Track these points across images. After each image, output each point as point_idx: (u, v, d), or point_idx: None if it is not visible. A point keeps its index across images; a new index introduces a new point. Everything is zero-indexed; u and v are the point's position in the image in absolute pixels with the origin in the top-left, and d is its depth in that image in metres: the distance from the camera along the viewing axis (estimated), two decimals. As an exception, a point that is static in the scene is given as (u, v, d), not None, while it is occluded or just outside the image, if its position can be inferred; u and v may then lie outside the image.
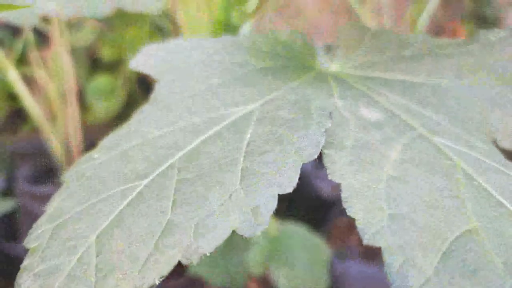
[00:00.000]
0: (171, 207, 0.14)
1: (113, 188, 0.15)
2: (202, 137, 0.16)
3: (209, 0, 0.90)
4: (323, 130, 0.16)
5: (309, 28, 1.75)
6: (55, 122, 1.02)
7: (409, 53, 0.25)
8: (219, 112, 0.18)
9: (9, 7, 0.31)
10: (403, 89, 0.23)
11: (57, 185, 0.81)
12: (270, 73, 0.22)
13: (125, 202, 0.14)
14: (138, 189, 0.15)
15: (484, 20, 1.86)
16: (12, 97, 1.18)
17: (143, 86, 1.30)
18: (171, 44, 0.23)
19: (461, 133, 0.19)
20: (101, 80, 1.19)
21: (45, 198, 0.75)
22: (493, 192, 0.15)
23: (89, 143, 1.17)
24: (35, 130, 1.19)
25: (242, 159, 0.15)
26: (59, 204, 0.16)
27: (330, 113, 0.17)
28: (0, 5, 0.22)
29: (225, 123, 0.17)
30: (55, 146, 1.04)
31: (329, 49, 0.25)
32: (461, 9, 1.62)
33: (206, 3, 0.90)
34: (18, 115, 1.28)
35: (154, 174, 0.15)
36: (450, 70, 0.24)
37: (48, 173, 1.09)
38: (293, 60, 0.24)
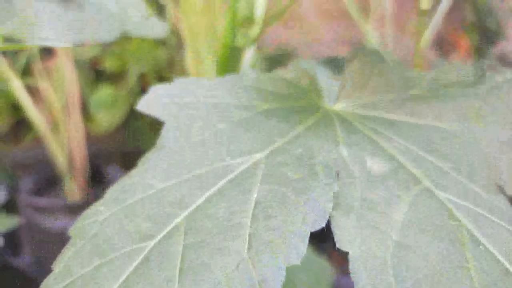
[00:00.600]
0: (178, 276, 0.13)
1: (119, 249, 0.15)
2: (207, 194, 0.16)
3: (213, 20, 0.90)
4: (330, 194, 0.16)
5: (310, 38, 1.76)
6: (58, 132, 1.02)
7: (416, 92, 0.25)
8: (224, 162, 0.18)
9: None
10: (409, 132, 0.22)
11: (60, 196, 0.81)
12: (276, 115, 0.22)
13: (131, 268, 0.14)
14: (144, 252, 0.14)
15: (485, 31, 1.86)
16: (16, 107, 1.18)
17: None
18: (178, 85, 0.23)
19: (467, 183, 0.19)
20: (105, 91, 1.19)
21: (48, 210, 0.75)
22: (500, 258, 0.14)
23: (92, 153, 1.17)
24: (38, 140, 1.19)
25: (249, 223, 0.15)
26: (66, 263, 0.15)
27: (337, 172, 0.17)
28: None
29: (230, 176, 0.17)
30: (58, 156, 1.04)
31: (335, 86, 0.25)
32: (462, 20, 1.62)
33: (211, 24, 0.90)
34: (21, 125, 1.28)
35: (160, 236, 0.15)
36: (457, 112, 0.23)
37: (51, 184, 1.09)
38: (298, 100, 0.24)
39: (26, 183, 1.02)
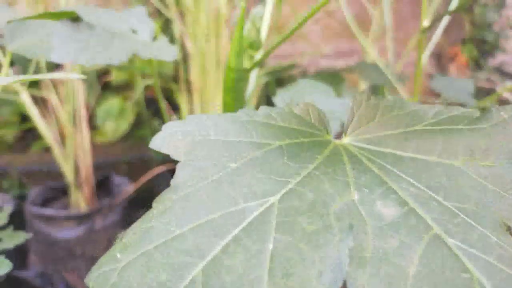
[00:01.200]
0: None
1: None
2: (223, 242, 0.16)
3: (218, 35, 0.90)
4: (346, 251, 0.16)
5: (312, 50, 1.76)
6: (65, 143, 1.02)
7: (421, 128, 0.25)
8: (238, 206, 0.18)
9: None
10: (417, 170, 0.23)
11: (66, 206, 0.81)
12: (287, 153, 0.22)
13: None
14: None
15: (483, 44, 1.87)
16: (24, 118, 1.18)
17: (151, 107, 1.31)
18: (190, 122, 0.23)
19: (475, 226, 0.19)
20: (111, 102, 1.19)
21: (54, 220, 0.75)
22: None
23: (98, 163, 1.17)
24: (46, 150, 1.19)
25: (266, 277, 0.15)
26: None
27: (351, 225, 0.17)
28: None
29: (244, 223, 0.17)
30: (65, 166, 1.04)
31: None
32: (461, 34, 1.63)
33: (216, 39, 0.90)
34: (29, 135, 1.28)
35: (179, 290, 0.15)
36: (463, 149, 0.24)
37: (58, 193, 1.09)
38: (308, 135, 0.24)
39: (33, 193, 1.02)
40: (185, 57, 1.09)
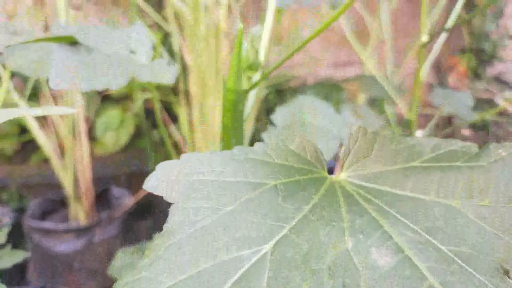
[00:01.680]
0: None
1: None
2: (216, 298, 0.16)
3: (217, 51, 0.90)
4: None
5: (312, 61, 1.76)
6: (65, 155, 1.02)
7: (419, 164, 0.25)
8: (231, 254, 0.18)
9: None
10: (414, 210, 0.22)
11: (66, 219, 0.80)
12: (282, 193, 0.22)
13: None
14: None
15: (482, 54, 1.87)
16: (23, 129, 1.18)
17: (151, 118, 1.31)
18: (185, 161, 0.22)
19: (471, 273, 0.19)
20: (111, 114, 1.19)
21: (53, 233, 0.74)
22: None
23: (97, 174, 1.16)
24: (46, 161, 1.19)
25: None
26: None
27: (344, 284, 0.16)
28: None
29: (237, 276, 0.17)
30: (65, 179, 1.04)
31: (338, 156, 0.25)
32: (460, 44, 1.63)
33: (215, 53, 0.90)
34: (29, 146, 1.28)
35: None
36: (461, 188, 0.23)
37: (57, 206, 1.09)
38: (304, 172, 0.24)
39: (32, 205, 1.01)
40: (184, 69, 1.09)
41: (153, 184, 0.21)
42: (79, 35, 0.45)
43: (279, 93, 1.51)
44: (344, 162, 0.26)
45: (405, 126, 0.95)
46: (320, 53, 1.66)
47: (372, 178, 0.25)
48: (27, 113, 0.25)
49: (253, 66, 0.46)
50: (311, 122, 0.55)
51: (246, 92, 0.48)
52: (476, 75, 1.78)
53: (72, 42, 0.41)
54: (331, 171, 0.28)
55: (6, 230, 0.59)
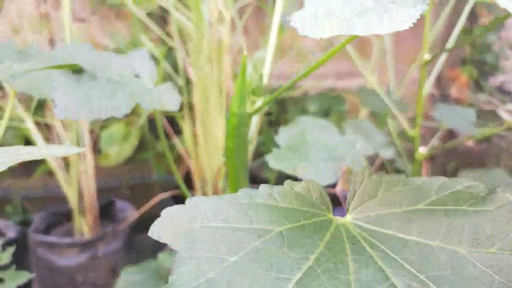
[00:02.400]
0: None
1: None
2: None
3: (220, 67, 0.90)
4: None
5: (314, 73, 1.75)
6: (69, 168, 1.02)
7: (425, 207, 0.25)
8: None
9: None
10: (420, 257, 0.22)
11: (70, 233, 0.80)
12: (287, 241, 0.22)
13: None
14: None
15: (484, 65, 1.86)
16: (28, 141, 1.18)
17: (155, 130, 1.31)
18: (189, 206, 0.22)
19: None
20: (115, 128, 1.19)
21: (57, 247, 0.73)
22: None
23: (101, 187, 1.16)
24: (49, 174, 1.19)
25: None
26: None
27: None
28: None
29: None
30: (69, 192, 1.04)
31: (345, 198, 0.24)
32: (461, 55, 1.63)
33: (218, 70, 0.90)
34: (33, 160, 1.28)
35: None
36: (467, 233, 0.23)
37: (61, 219, 1.08)
38: (309, 216, 0.24)
39: (36, 219, 1.01)
40: (187, 82, 1.09)
41: (157, 231, 0.21)
42: (83, 61, 0.45)
43: (281, 104, 1.51)
44: (350, 204, 0.25)
45: (408, 139, 0.95)
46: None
47: (378, 221, 0.24)
48: (28, 157, 0.25)
49: (256, 91, 0.46)
50: (313, 143, 0.54)
51: (250, 116, 0.48)
52: (477, 86, 1.77)
53: (77, 69, 0.41)
54: (336, 204, 0.27)
55: (11, 251, 0.59)
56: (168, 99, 0.42)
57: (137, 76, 0.48)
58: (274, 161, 0.49)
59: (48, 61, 0.48)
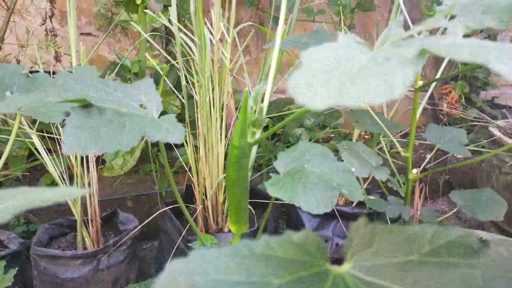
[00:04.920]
0: None
1: None
2: None
3: (222, 90, 0.91)
4: None
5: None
6: (73, 181, 1.02)
7: (418, 258, 0.25)
8: None
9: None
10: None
11: (72, 246, 0.79)
12: (286, 295, 0.22)
13: None
14: None
15: (475, 80, 1.88)
16: (32, 152, 1.18)
17: (156, 144, 1.31)
18: (193, 259, 0.22)
19: None
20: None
21: (60, 260, 0.73)
22: None
23: (104, 198, 1.15)
24: (53, 186, 1.19)
25: None
26: None
27: None
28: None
29: None
30: (72, 205, 1.04)
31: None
32: (453, 71, 1.63)
33: (219, 94, 0.91)
34: (37, 169, 1.28)
35: None
36: (459, 286, 0.23)
37: (64, 230, 1.08)
38: (307, 267, 0.24)
39: (39, 231, 1.01)
40: (189, 99, 1.09)
41: (163, 284, 0.21)
42: (92, 93, 0.45)
43: (279, 118, 1.51)
44: (347, 253, 0.26)
45: (400, 159, 0.95)
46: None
47: (374, 271, 0.25)
48: (35, 203, 0.25)
49: (257, 123, 0.46)
50: (310, 170, 0.55)
51: (251, 146, 0.48)
52: (469, 101, 1.78)
53: (85, 104, 0.41)
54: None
55: (13, 272, 0.59)
56: (173, 133, 0.42)
57: (143, 106, 0.49)
58: (273, 189, 0.50)
59: (56, 91, 0.48)
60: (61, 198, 0.27)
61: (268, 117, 1.28)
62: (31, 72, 0.64)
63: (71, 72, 0.68)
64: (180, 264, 0.23)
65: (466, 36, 0.29)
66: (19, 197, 0.27)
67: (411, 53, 0.21)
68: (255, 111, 0.47)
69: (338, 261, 0.26)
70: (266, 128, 1.47)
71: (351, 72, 0.22)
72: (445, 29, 0.31)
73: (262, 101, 0.54)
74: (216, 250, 0.23)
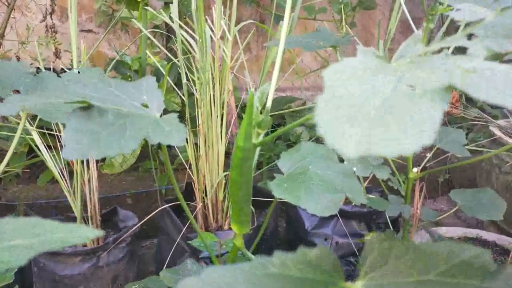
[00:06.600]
0: None
1: None
2: None
3: (222, 88, 0.89)
4: None
5: (310, 83, 1.75)
6: (73, 178, 1.00)
7: (434, 278, 0.24)
8: None
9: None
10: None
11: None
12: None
13: None
14: None
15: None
16: (32, 148, 1.16)
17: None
18: (205, 281, 0.21)
19: None
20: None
21: (60, 256, 0.71)
22: None
23: (104, 195, 1.13)
24: (53, 182, 1.17)
25: None
26: None
27: None
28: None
29: None
30: (72, 202, 1.02)
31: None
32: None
33: (220, 92, 0.89)
34: (37, 166, 1.26)
35: None
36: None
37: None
38: (321, 285, 0.23)
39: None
40: (190, 97, 1.07)
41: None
42: (93, 95, 0.43)
43: (280, 116, 1.50)
44: (362, 269, 0.24)
45: (400, 158, 0.93)
46: (319, 77, 1.65)
47: (388, 290, 0.23)
48: (51, 246, 0.24)
49: (262, 124, 0.45)
50: (314, 173, 0.53)
51: (255, 147, 0.47)
52: (469, 100, 1.77)
53: (86, 106, 0.40)
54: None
55: (14, 269, 0.58)
56: (174, 135, 0.41)
57: (145, 105, 0.47)
58: (278, 191, 0.48)
59: (59, 91, 0.47)
60: (74, 241, 0.26)
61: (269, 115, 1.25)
62: (37, 71, 0.62)
63: (78, 72, 0.66)
64: (193, 283, 0.21)
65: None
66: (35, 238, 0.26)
67: (437, 84, 0.20)
68: (261, 111, 0.45)
69: (348, 279, 0.25)
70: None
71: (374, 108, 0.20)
72: (465, 48, 0.29)
73: (266, 102, 0.53)
74: (230, 268, 0.22)
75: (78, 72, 0.65)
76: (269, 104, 0.50)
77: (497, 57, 0.43)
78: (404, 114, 0.19)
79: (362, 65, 0.23)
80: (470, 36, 0.30)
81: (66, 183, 0.99)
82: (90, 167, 1.01)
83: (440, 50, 0.26)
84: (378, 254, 0.24)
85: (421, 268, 0.24)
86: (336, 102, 0.19)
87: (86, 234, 0.25)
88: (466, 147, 0.86)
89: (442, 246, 0.25)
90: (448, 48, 0.29)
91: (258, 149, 0.57)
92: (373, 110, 0.19)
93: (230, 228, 1.08)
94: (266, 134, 1.60)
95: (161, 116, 0.46)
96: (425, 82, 0.21)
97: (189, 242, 0.87)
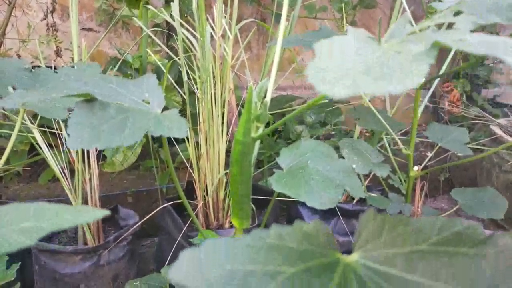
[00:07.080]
0: None
1: None
2: None
3: (223, 85, 0.91)
4: None
5: (309, 84, 1.77)
6: (74, 176, 1.02)
7: (426, 247, 0.25)
8: None
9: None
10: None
11: (73, 241, 0.80)
12: (299, 282, 0.22)
13: None
14: None
15: (476, 78, 1.88)
16: (33, 146, 1.18)
17: (158, 139, 1.31)
18: (205, 251, 0.23)
19: None
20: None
21: (61, 255, 0.73)
22: None
23: (105, 194, 1.15)
24: (54, 180, 1.18)
25: None
26: None
27: None
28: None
29: None
30: (73, 199, 1.04)
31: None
32: (455, 70, 1.64)
33: (221, 90, 0.91)
34: (38, 164, 1.28)
35: None
36: (467, 278, 0.24)
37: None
38: (317, 256, 0.24)
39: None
40: (191, 95, 1.09)
41: (176, 274, 0.22)
42: (95, 91, 0.45)
43: (280, 114, 1.51)
44: (356, 243, 0.26)
45: (401, 156, 0.95)
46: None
47: (383, 260, 0.25)
48: (62, 224, 0.26)
49: (261, 118, 0.47)
50: (313, 168, 0.55)
51: (254, 141, 0.49)
52: (470, 99, 1.79)
53: (89, 98, 0.42)
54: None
55: (16, 267, 0.59)
56: (176, 128, 0.42)
57: (146, 101, 0.49)
58: (278, 186, 0.50)
59: (59, 87, 0.48)
60: (82, 221, 0.28)
61: (270, 114, 1.27)
62: (33, 67, 0.64)
63: (73, 67, 0.68)
64: (194, 254, 0.23)
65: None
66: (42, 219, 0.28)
67: (424, 46, 0.22)
68: (259, 106, 0.47)
69: (345, 253, 0.27)
70: (267, 124, 1.48)
71: (366, 66, 0.23)
72: (452, 24, 0.32)
73: (265, 96, 0.55)
74: (230, 240, 0.24)
75: (73, 67, 0.66)
76: (268, 98, 0.52)
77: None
78: (392, 67, 0.21)
79: (353, 41, 0.25)
80: (456, 14, 0.32)
81: (67, 181, 1.00)
82: (91, 165, 1.03)
83: (428, 28, 0.28)
84: (372, 229, 0.26)
85: (414, 240, 0.26)
86: (326, 63, 0.21)
87: (94, 214, 0.27)
88: (467, 146, 0.88)
89: (435, 220, 0.27)
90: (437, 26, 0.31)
91: (257, 143, 0.58)
92: (361, 67, 0.21)
93: (231, 227, 1.10)
94: (268, 135, 1.60)
95: (162, 112, 0.47)
96: (413, 49, 0.23)
97: (191, 240, 0.88)
